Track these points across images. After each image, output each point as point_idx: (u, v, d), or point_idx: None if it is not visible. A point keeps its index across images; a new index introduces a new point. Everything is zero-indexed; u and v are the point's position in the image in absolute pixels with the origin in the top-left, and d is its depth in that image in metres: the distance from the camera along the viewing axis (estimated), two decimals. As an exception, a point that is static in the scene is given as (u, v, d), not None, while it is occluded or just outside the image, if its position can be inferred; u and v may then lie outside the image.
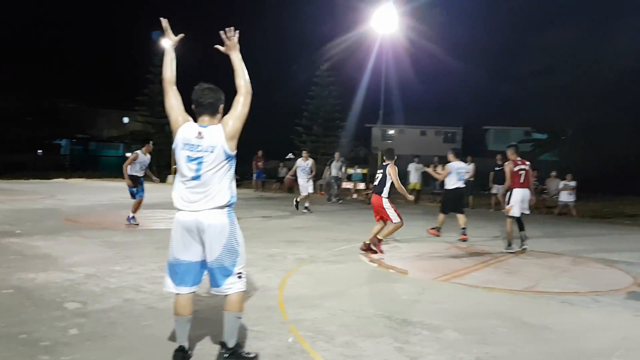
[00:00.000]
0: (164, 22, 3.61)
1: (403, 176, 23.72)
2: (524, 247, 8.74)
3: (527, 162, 8.97)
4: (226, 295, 3.38)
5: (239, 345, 3.49)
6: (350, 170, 22.34)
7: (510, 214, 8.74)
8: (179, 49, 3.65)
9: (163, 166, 30.66)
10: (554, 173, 17.73)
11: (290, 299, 5.17)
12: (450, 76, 50.03)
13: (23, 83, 31.69)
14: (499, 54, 50.86)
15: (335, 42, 30.70)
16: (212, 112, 3.40)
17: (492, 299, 5.63)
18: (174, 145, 3.37)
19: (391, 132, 47.74)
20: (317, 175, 16.55)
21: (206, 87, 3.41)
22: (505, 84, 33.43)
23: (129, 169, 9.64)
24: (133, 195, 9.86)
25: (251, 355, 3.52)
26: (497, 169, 17.35)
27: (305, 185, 14.24)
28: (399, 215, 7.95)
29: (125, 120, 44.02)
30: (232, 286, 3.36)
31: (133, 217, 9.77)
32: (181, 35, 3.64)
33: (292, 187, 14.51)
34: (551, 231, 12.01)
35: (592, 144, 26.91)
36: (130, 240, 8.36)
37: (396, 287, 5.98)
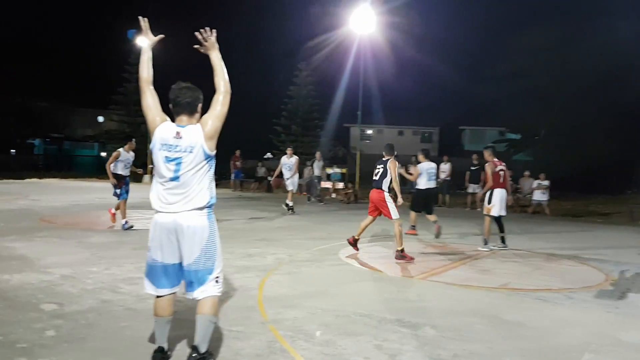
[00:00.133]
0: (143, 22, 3.55)
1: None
2: (504, 247, 8.92)
3: (503, 163, 9.15)
4: (197, 298, 3.29)
5: (210, 353, 3.35)
6: (329, 170, 22.43)
7: (491, 213, 8.89)
8: (156, 48, 3.60)
9: (139, 166, 30.26)
10: (527, 173, 18.07)
11: (270, 298, 5.18)
12: (427, 77, 50.59)
13: (-5, 81, 31.01)
14: (475, 56, 51.69)
15: (314, 42, 30.77)
16: (191, 112, 3.32)
17: (469, 296, 5.73)
18: (151, 146, 3.29)
19: (369, 132, 48.02)
20: (300, 175, 16.50)
21: (184, 86, 3.33)
22: (481, 85, 33.96)
23: (112, 167, 9.47)
24: (117, 196, 9.61)
25: None
26: (473, 168, 17.65)
27: (291, 181, 14.08)
28: (398, 211, 7.85)
29: (100, 119, 43.36)
30: (208, 290, 3.28)
31: (126, 222, 9.52)
32: (160, 35, 3.58)
33: (280, 185, 14.29)
34: (525, 229, 12.23)
35: (565, 144, 27.53)
36: (107, 240, 8.26)
37: (375, 286, 6.04)
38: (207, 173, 3.31)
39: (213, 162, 3.36)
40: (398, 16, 25.66)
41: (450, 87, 47.53)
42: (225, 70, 3.39)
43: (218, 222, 3.45)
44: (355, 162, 22.51)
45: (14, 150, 33.92)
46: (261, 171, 24.40)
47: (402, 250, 7.61)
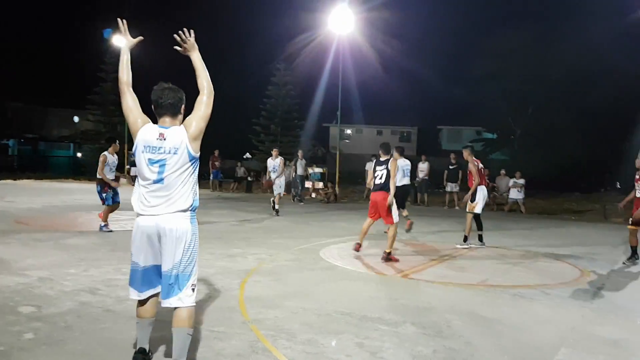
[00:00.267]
0: (122, 24, 3.51)
1: (360, 175, 24.01)
2: (481, 245, 9.07)
3: (480, 162, 9.34)
4: (175, 309, 3.20)
5: None
6: (309, 170, 22.44)
7: (475, 210, 9.01)
8: (133, 49, 3.55)
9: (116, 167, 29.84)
10: (503, 171, 18.35)
11: (251, 298, 5.18)
12: (405, 78, 50.93)
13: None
14: (452, 57, 52.12)
15: (292, 42, 30.75)
16: (174, 113, 3.27)
17: (448, 293, 5.82)
18: (133, 149, 3.23)
19: (349, 131, 48.20)
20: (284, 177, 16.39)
21: (166, 87, 3.28)
22: (458, 86, 34.35)
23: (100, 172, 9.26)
24: (103, 201, 9.35)
25: None
26: (450, 167, 17.87)
27: (278, 183, 13.76)
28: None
29: (76, 119, 42.59)
30: (184, 299, 3.19)
31: (106, 225, 9.33)
32: (139, 37, 3.53)
33: (271, 186, 13.91)
34: (502, 227, 12.42)
35: (540, 143, 28.05)
36: (84, 242, 8.15)
37: (355, 285, 6.08)
38: (191, 175, 3.26)
39: (197, 164, 3.31)
40: (376, 17, 25.84)
41: (428, 88, 47.97)
42: (207, 71, 3.36)
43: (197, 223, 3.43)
44: (335, 162, 22.57)
45: (-13, 152, 33.21)
46: (240, 171, 24.32)
47: (390, 253, 7.59)
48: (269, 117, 33.82)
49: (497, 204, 17.77)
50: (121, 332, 4.02)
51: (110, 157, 9.31)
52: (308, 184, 21.53)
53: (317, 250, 8.18)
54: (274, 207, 13.51)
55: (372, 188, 7.86)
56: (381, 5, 25.70)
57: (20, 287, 5.27)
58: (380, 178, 7.69)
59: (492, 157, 30.59)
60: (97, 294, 5.13)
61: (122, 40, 3.53)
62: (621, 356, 4.00)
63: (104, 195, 9.30)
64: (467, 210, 9.09)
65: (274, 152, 14.12)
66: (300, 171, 18.83)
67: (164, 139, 3.18)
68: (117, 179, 9.38)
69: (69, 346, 3.76)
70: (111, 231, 9.23)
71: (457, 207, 17.34)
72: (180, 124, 3.28)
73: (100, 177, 9.22)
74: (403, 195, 10.67)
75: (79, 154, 38.39)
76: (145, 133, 3.22)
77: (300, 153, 19.32)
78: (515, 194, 17.24)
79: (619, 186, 25.11)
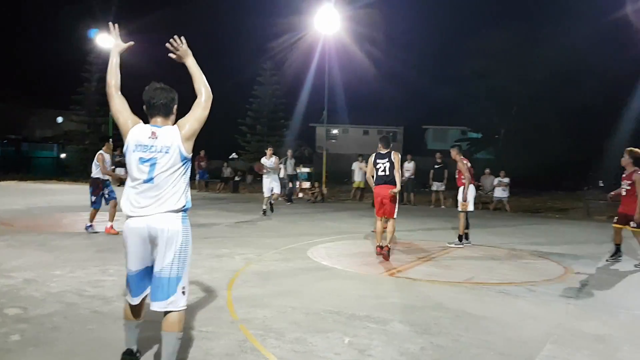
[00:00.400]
0: (113, 28, 3.47)
1: (347, 175, 24.02)
2: (467, 243, 9.15)
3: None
4: (166, 312, 3.15)
5: None
6: (297, 170, 22.42)
7: (468, 209, 9.08)
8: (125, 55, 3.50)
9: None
10: (488, 170, 18.52)
11: (239, 298, 5.18)
12: (391, 78, 51.09)
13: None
14: (437, 57, 52.49)
15: (278, 41, 30.72)
16: (166, 114, 3.23)
17: (435, 291, 5.86)
18: (124, 149, 3.17)
19: (335, 131, 48.23)
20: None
21: (158, 87, 3.23)
22: (443, 86, 34.56)
23: (94, 170, 9.14)
24: (92, 203, 9.21)
25: None
26: (436, 166, 17.99)
27: (269, 186, 13.35)
28: None
29: (60, 119, 42.09)
30: (175, 302, 3.14)
31: (92, 226, 9.20)
32: (130, 42, 3.48)
33: (262, 169, 13.61)
34: (487, 225, 12.54)
35: (524, 143, 28.36)
36: (70, 244, 8.07)
37: (343, 284, 6.10)
38: (182, 176, 3.21)
39: (189, 165, 3.27)
40: (362, 17, 25.91)
41: (414, 88, 48.24)
42: (203, 75, 3.31)
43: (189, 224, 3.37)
44: (322, 162, 22.59)
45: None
46: (227, 171, 24.23)
47: (389, 249, 7.56)
48: (255, 117, 33.77)
49: (482, 202, 17.93)
50: (108, 332, 4.00)
51: (106, 157, 9.24)
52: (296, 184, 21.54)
53: (305, 250, 8.19)
54: (270, 208, 13.25)
55: (375, 182, 7.78)
56: (367, 4, 25.81)
57: (5, 289, 5.21)
58: (384, 170, 7.61)
59: (477, 157, 30.84)
60: (84, 295, 5.08)
61: (113, 45, 3.47)
62: (605, 351, 4.06)
63: (94, 198, 9.20)
64: (460, 209, 9.12)
65: (268, 151, 13.83)
66: (289, 170, 18.82)
67: (156, 138, 3.13)
68: (100, 183, 9.23)
69: (57, 347, 3.73)
70: (96, 232, 9.14)
71: (443, 206, 17.47)
72: (172, 124, 3.24)
73: (96, 176, 9.13)
74: None
75: (62, 155, 37.92)
76: (137, 132, 3.16)
77: (289, 152, 19.32)
78: (500, 193, 17.42)
79: (601, 184, 25.46)
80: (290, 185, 18.88)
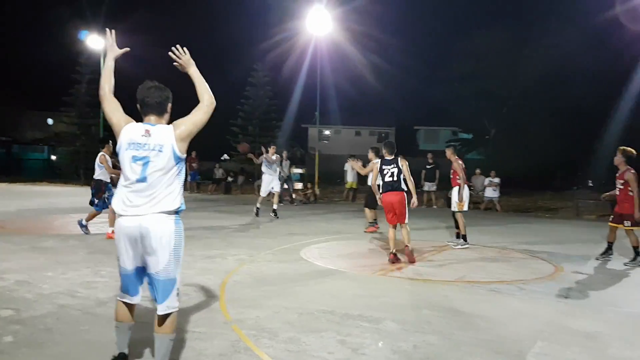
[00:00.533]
0: (110, 34, 3.45)
1: (339, 176, 24.01)
2: (458, 242, 9.20)
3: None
4: (158, 314, 3.15)
5: None
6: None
7: (464, 209, 9.12)
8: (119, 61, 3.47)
9: (91, 169, 29.42)
10: (478, 170, 18.64)
11: (232, 299, 5.19)
12: (383, 78, 51.28)
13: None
14: (428, 58, 52.83)
15: (270, 42, 30.74)
16: (160, 112, 3.22)
17: (427, 290, 5.90)
18: (117, 148, 3.15)
19: (327, 132, 48.30)
20: (259, 175, 16.21)
21: (152, 86, 3.21)
22: (434, 86, 34.71)
23: (98, 170, 9.05)
24: (94, 205, 9.14)
25: None
26: (428, 167, 18.09)
27: (268, 187, 13.07)
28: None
29: (50, 121, 41.82)
30: (171, 305, 3.15)
31: (87, 227, 9.14)
32: (126, 49, 3.47)
33: (247, 149, 13.22)
34: (478, 225, 12.60)
35: (514, 143, 28.53)
36: (62, 245, 8.04)
37: (337, 284, 6.12)
38: (176, 177, 3.19)
39: (183, 166, 3.25)
40: (354, 18, 26.00)
41: (405, 89, 48.56)
42: (206, 84, 3.30)
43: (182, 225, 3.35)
44: (314, 163, 22.62)
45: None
46: (218, 172, 24.19)
47: (408, 254, 7.41)
48: (247, 118, 33.70)
49: (473, 202, 18.00)
50: (101, 334, 3.99)
51: (108, 157, 9.11)
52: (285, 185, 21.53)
53: (298, 250, 8.20)
54: (275, 214, 12.83)
55: (382, 190, 7.61)
56: (359, 6, 25.90)
57: (-3, 291, 5.19)
58: (391, 177, 7.47)
59: (467, 157, 30.99)
60: (76, 297, 5.07)
61: (108, 50, 3.46)
62: (595, 348, 4.11)
63: (96, 200, 9.12)
64: (457, 210, 9.13)
65: (271, 149, 13.38)
66: (285, 172, 18.81)
67: (149, 136, 3.09)
68: (102, 185, 9.15)
69: (50, 349, 3.72)
70: (88, 233, 9.09)
71: (434, 206, 17.54)
72: (166, 123, 3.23)
73: (99, 177, 9.07)
74: (375, 196, 10.76)
75: (53, 157, 37.68)
76: (130, 131, 3.13)
77: (285, 154, 19.33)
78: (491, 193, 17.53)
79: (590, 184, 25.67)
80: (286, 186, 18.89)
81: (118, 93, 3.39)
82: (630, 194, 7.70)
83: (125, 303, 3.27)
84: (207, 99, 3.28)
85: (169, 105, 3.29)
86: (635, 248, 7.76)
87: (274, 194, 13.16)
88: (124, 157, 3.12)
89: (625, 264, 7.76)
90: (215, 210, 14.66)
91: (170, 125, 3.18)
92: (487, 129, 31.81)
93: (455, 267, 7.33)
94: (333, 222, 12.79)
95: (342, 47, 26.17)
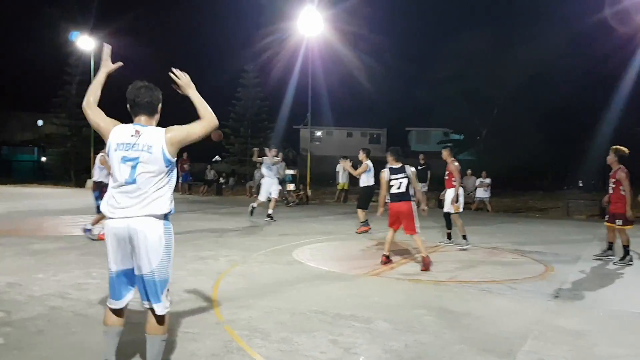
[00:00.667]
0: (106, 49, 3.39)
1: (331, 177, 24.04)
2: (450, 242, 9.27)
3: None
4: (150, 315, 3.14)
5: None
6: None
7: (460, 211, 9.17)
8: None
9: (81, 170, 29.33)
10: (469, 171, 18.75)
11: (224, 300, 5.19)
12: (374, 80, 51.39)
13: None
14: (419, 59, 53.01)
15: (261, 44, 30.72)
16: (150, 112, 3.18)
17: (418, 290, 5.94)
18: (107, 150, 3.11)
19: (319, 133, 48.39)
20: (251, 177, 16.17)
21: (142, 86, 3.16)
22: (426, 88, 34.74)
23: (98, 172, 8.96)
24: (98, 207, 9.08)
25: None
26: (419, 168, 18.11)
27: (268, 191, 12.75)
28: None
29: (40, 122, 41.53)
30: (164, 304, 3.13)
31: (91, 231, 8.88)
32: (119, 63, 3.41)
33: (221, 137, 12.91)
34: (469, 225, 12.64)
35: (505, 144, 28.73)
36: (52, 247, 7.99)
37: (328, 284, 6.14)
38: (166, 181, 3.16)
39: (173, 169, 3.22)
40: (345, 20, 26.04)
41: (396, 90, 48.68)
42: (207, 105, 3.24)
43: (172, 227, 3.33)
44: (306, 164, 22.64)
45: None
46: (210, 174, 24.14)
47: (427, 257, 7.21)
48: (238, 120, 33.67)
49: (464, 202, 18.12)
50: (92, 336, 3.97)
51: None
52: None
53: (290, 251, 8.21)
54: (271, 217, 12.56)
55: (390, 199, 7.45)
56: (350, 7, 25.94)
57: (-13, 293, 5.16)
58: (399, 187, 7.31)
59: (459, 158, 31.11)
60: (67, 299, 5.05)
61: (102, 64, 3.39)
62: (584, 346, 4.16)
63: (99, 202, 9.04)
64: (453, 211, 9.15)
65: (272, 152, 13.18)
66: (280, 174, 18.78)
67: (139, 136, 3.06)
68: (105, 187, 9.10)
69: (41, 351, 3.71)
70: (94, 239, 8.70)
71: (427, 207, 17.57)
72: (156, 124, 3.22)
73: (99, 180, 8.97)
74: (367, 196, 10.83)
75: (43, 158, 37.43)
76: (119, 132, 3.10)
77: (280, 155, 19.28)
78: (482, 193, 17.64)
79: (580, 184, 25.91)
80: (281, 188, 18.87)
81: (106, 92, 3.37)
82: (622, 193, 7.76)
83: (112, 309, 3.22)
84: (208, 116, 3.21)
85: (159, 105, 3.27)
86: (625, 247, 7.83)
87: (271, 199, 12.87)
88: (113, 158, 3.09)
89: (614, 263, 7.83)
90: (207, 212, 14.64)
91: (163, 129, 3.14)
92: (478, 130, 32.02)
93: (446, 267, 7.37)
94: (325, 223, 12.81)
95: (333, 48, 26.21)
